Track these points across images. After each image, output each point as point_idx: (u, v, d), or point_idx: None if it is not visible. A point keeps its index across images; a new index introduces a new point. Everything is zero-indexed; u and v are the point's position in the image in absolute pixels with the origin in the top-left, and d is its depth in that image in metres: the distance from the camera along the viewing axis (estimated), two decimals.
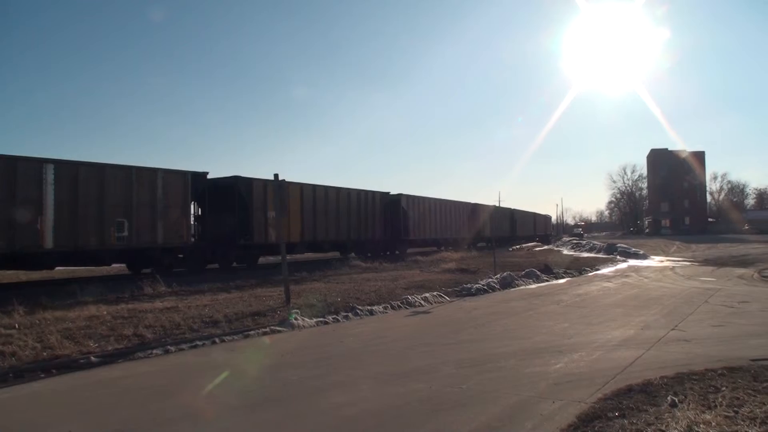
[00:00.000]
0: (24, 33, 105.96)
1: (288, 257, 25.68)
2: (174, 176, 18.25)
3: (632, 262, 27.08)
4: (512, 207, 52.91)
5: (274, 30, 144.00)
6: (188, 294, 12.38)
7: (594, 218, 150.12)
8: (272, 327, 8.61)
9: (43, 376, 5.99)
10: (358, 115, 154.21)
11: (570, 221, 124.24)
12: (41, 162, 14.73)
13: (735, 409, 4.19)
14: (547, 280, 17.14)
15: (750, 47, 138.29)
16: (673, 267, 23.31)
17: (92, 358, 6.59)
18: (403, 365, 6.23)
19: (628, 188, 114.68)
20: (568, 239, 62.53)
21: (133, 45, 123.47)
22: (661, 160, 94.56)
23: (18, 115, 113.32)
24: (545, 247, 48.92)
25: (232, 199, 20.61)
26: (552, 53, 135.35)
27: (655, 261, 28.13)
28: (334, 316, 9.73)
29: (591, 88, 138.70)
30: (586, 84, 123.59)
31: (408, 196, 31.51)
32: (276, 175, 11.42)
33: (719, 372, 5.30)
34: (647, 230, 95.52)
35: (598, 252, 34.81)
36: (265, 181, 21.37)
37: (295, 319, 9.05)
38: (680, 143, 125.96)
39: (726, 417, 4.00)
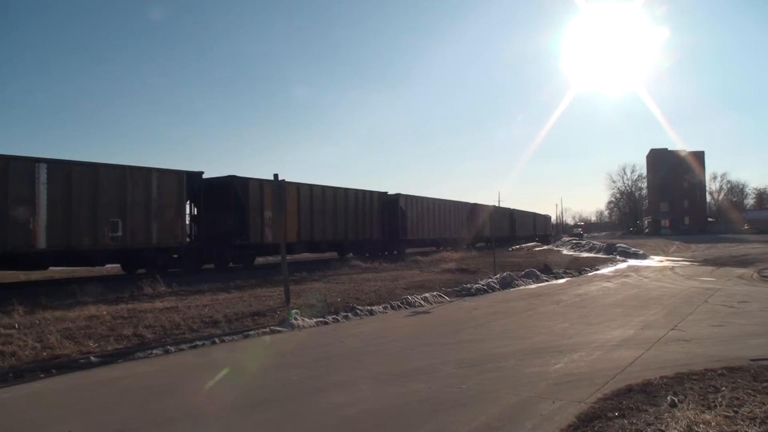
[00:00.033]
0: (24, 33, 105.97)
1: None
2: (169, 176, 18.12)
3: (632, 262, 27.09)
4: (511, 207, 52.88)
5: (274, 30, 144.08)
6: (188, 294, 12.38)
7: (593, 218, 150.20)
8: (272, 327, 8.61)
9: (42, 376, 5.99)
10: (358, 115, 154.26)
11: (570, 221, 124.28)
12: (34, 161, 14.61)
13: (735, 409, 4.19)
14: (547, 280, 17.14)
15: (750, 47, 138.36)
16: (673, 267, 23.32)
17: (92, 358, 6.59)
18: (402, 365, 6.24)
19: (628, 188, 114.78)
20: (567, 239, 62.56)
21: (133, 45, 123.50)
22: (660, 159, 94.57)
23: (18, 115, 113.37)
24: (545, 247, 48.94)
25: (228, 198, 20.48)
26: (552, 53, 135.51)
27: (654, 261, 28.15)
28: (333, 316, 9.73)
29: (591, 87, 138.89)
30: (585, 84, 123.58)
31: (406, 196, 31.41)
32: (276, 175, 11.41)
33: (719, 372, 5.30)
34: (647, 230, 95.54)
35: (598, 252, 34.82)
36: (262, 181, 21.27)
37: (295, 319, 9.05)
38: (680, 143, 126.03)
39: (726, 417, 4.00)
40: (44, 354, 6.60)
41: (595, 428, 3.91)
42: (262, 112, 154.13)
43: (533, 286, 15.68)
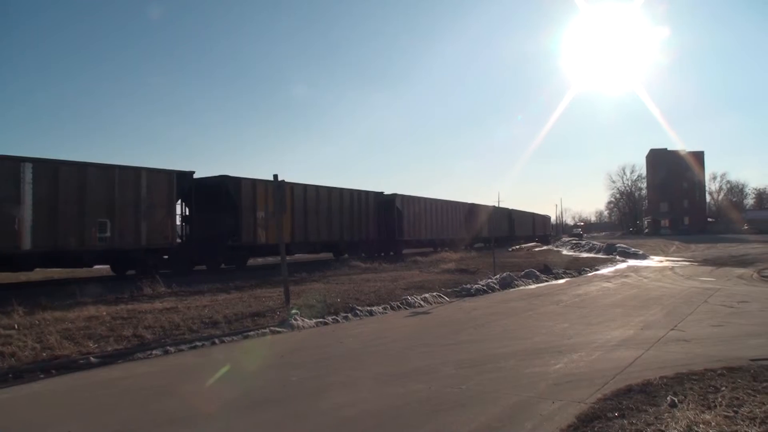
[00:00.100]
0: (24, 33, 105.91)
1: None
2: (159, 175, 17.89)
3: (631, 262, 27.09)
4: (510, 207, 52.73)
5: (274, 30, 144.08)
6: (187, 295, 12.37)
7: (593, 218, 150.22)
8: (272, 328, 8.61)
9: (42, 376, 5.99)
10: (358, 115, 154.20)
11: (569, 221, 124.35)
12: (19, 161, 14.38)
13: (735, 409, 4.19)
14: (547, 281, 17.15)
15: (750, 47, 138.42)
16: (673, 267, 23.33)
17: (92, 358, 6.59)
18: (402, 366, 6.23)
19: (628, 188, 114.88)
20: (567, 239, 62.52)
21: (133, 45, 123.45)
22: (660, 160, 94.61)
23: (18, 115, 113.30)
24: (544, 247, 48.94)
25: (220, 198, 20.24)
26: (552, 52, 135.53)
27: (654, 261, 28.15)
28: (333, 317, 9.73)
29: (590, 87, 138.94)
30: (585, 83, 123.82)
31: (403, 196, 31.17)
32: (275, 176, 11.43)
33: (719, 372, 5.31)
34: (646, 230, 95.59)
35: (598, 252, 34.82)
36: (254, 181, 21.11)
37: (295, 319, 9.05)
38: (679, 143, 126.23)
39: (726, 417, 4.00)
40: (44, 354, 6.59)
41: (595, 428, 3.91)
42: (262, 112, 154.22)
43: (533, 286, 15.68)
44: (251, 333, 8.27)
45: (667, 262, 26.71)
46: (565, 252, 38.38)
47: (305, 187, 24.12)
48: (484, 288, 14.11)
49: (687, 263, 25.93)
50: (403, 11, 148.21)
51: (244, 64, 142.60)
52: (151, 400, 5.09)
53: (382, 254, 29.05)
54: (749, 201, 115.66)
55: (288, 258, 25.31)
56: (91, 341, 7.33)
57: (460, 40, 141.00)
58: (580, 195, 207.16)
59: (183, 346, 7.36)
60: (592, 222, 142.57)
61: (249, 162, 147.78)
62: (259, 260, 26.19)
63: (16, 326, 7.98)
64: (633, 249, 33.27)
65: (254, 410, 4.74)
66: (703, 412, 4.11)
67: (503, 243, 43.98)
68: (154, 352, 7.07)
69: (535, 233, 62.38)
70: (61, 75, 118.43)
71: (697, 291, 13.88)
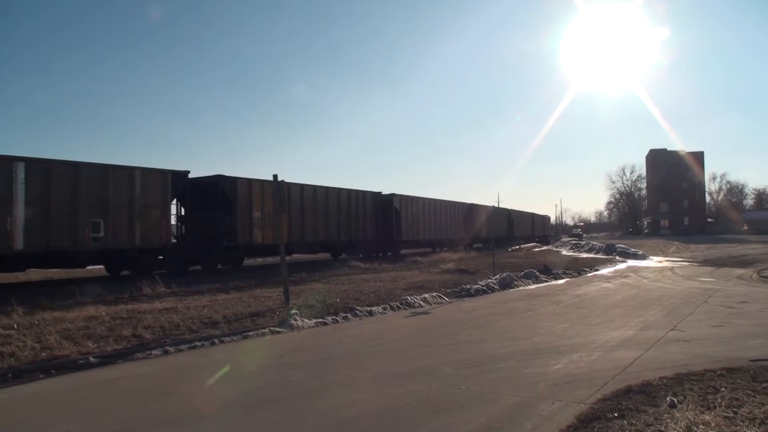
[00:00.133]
0: (24, 33, 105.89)
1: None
2: (153, 175, 17.67)
3: (631, 262, 27.10)
4: (510, 207, 52.66)
5: (274, 30, 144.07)
6: (187, 295, 12.36)
7: (593, 219, 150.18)
8: (271, 328, 8.61)
9: (42, 376, 5.98)
10: (358, 115, 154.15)
11: (569, 222, 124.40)
12: (11, 160, 14.20)
13: (734, 409, 4.19)
14: (546, 281, 17.15)
15: (749, 47, 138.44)
16: (672, 267, 23.33)
17: (91, 358, 6.58)
18: (402, 366, 6.23)
19: (627, 188, 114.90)
20: (567, 240, 62.51)
21: (133, 45, 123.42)
22: (660, 160, 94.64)
23: (18, 115, 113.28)
24: (544, 247, 48.95)
25: (215, 198, 20.05)
26: (551, 52, 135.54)
27: (654, 261, 28.16)
28: (333, 317, 9.73)
29: (590, 87, 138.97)
30: (585, 84, 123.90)
31: (401, 196, 30.96)
32: (275, 176, 11.44)
33: (718, 372, 5.31)
34: (646, 231, 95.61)
35: (597, 252, 34.82)
36: (250, 180, 20.98)
37: (294, 319, 9.05)
38: (679, 143, 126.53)
39: (725, 418, 4.00)
40: (43, 354, 6.59)
41: (595, 429, 3.91)
42: (262, 112, 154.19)
43: (532, 286, 15.68)
44: (251, 333, 8.27)
45: (667, 263, 26.72)
46: (564, 252, 38.38)
47: (302, 187, 23.94)
48: (484, 288, 14.11)
49: (687, 264, 25.94)
50: (403, 11, 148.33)
51: (244, 64, 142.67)
52: (150, 400, 5.09)
53: (380, 254, 28.87)
54: (749, 201, 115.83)
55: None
56: (91, 341, 7.33)
57: (460, 40, 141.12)
58: (579, 195, 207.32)
59: (182, 346, 7.36)
60: (591, 222, 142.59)
61: (249, 162, 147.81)
62: (259, 260, 26.17)
63: (15, 326, 7.97)
64: (633, 249, 33.29)
65: (254, 410, 4.74)
66: (702, 412, 4.11)
67: (502, 243, 43.95)
68: (153, 352, 7.07)
69: (535, 233, 62.35)
70: (61, 75, 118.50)
71: (696, 291, 13.89)
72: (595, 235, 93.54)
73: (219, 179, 20.35)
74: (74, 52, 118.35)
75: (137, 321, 8.62)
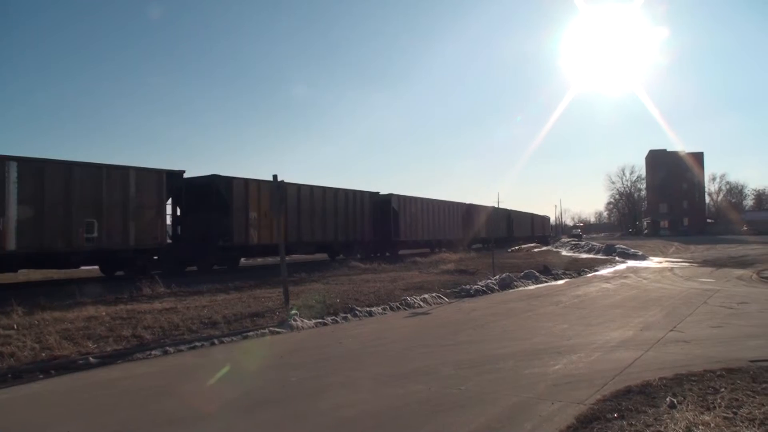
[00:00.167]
0: (24, 33, 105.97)
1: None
2: (148, 175, 17.58)
3: (631, 263, 27.09)
4: (509, 208, 52.61)
5: (274, 30, 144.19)
6: (187, 295, 12.36)
7: (593, 219, 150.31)
8: (271, 328, 8.60)
9: (41, 376, 5.98)
10: (358, 115, 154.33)
11: (569, 222, 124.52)
12: (3, 159, 14.12)
13: (734, 410, 4.19)
14: (546, 281, 17.15)
15: (749, 47, 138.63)
16: (672, 268, 23.33)
17: (91, 359, 6.58)
18: (402, 366, 6.23)
19: (627, 189, 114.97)
20: (566, 240, 62.49)
21: (133, 45, 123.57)
22: (659, 160, 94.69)
23: (18, 115, 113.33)
24: (544, 248, 48.95)
25: (211, 198, 19.94)
26: (551, 53, 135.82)
27: (653, 262, 28.16)
28: (333, 317, 9.72)
29: (590, 88, 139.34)
30: (585, 84, 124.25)
31: (399, 196, 30.76)
32: (275, 176, 11.42)
33: (718, 373, 5.31)
34: (646, 231, 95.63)
35: (597, 253, 34.82)
36: (247, 180, 20.85)
37: (294, 320, 9.04)
38: (679, 144, 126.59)
39: (725, 418, 4.00)
40: (43, 355, 6.59)
41: (594, 429, 3.91)
42: (262, 112, 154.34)
43: (532, 287, 15.68)
44: (250, 333, 8.26)
45: (667, 263, 26.72)
46: (564, 253, 38.37)
47: (299, 187, 23.69)
48: (484, 289, 14.10)
49: (686, 264, 25.94)
50: (403, 11, 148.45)
51: (244, 64, 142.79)
52: (150, 401, 5.09)
53: (378, 255, 28.62)
54: (748, 202, 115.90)
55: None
56: (91, 341, 7.33)
57: (460, 40, 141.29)
58: (579, 196, 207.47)
59: (182, 347, 7.36)
60: (591, 223, 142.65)
61: (249, 162, 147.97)
62: (259, 260, 26.18)
63: (15, 326, 7.97)
64: (632, 250, 33.28)
65: (254, 410, 4.74)
66: (702, 413, 4.11)
67: (502, 244, 43.90)
68: (153, 352, 7.06)
69: (534, 234, 62.35)
70: (61, 75, 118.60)
71: (696, 292, 13.89)
72: (594, 235, 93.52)
73: (214, 179, 20.22)
74: (74, 52, 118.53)
75: (137, 321, 8.62)
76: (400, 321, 9.92)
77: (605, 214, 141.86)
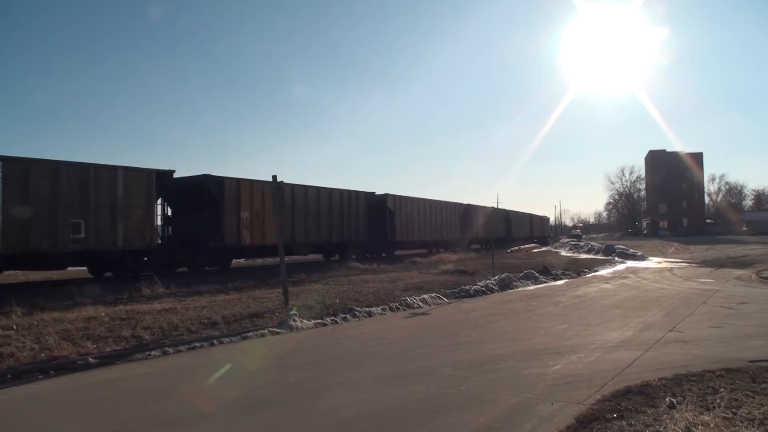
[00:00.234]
0: (24, 33, 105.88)
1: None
2: (137, 174, 17.39)
3: (630, 263, 27.09)
4: (508, 208, 52.51)
5: (274, 30, 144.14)
6: (186, 295, 12.36)
7: (592, 219, 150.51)
8: (271, 328, 8.60)
9: (41, 377, 5.98)
10: (358, 115, 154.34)
11: (568, 222, 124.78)
12: None
13: (733, 410, 4.19)
14: (546, 282, 17.15)
15: (749, 48, 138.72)
16: (671, 268, 23.33)
17: (90, 359, 6.58)
18: (401, 367, 6.23)
19: (626, 189, 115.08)
20: (566, 240, 62.54)
21: (133, 45, 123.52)
22: (659, 161, 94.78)
23: (18, 115, 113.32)
24: (543, 248, 48.98)
25: (201, 198, 19.70)
26: (551, 53, 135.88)
27: (653, 262, 28.16)
28: (332, 318, 9.72)
29: (590, 88, 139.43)
30: (584, 84, 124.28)
31: (394, 196, 30.48)
32: (274, 177, 11.42)
33: (717, 373, 5.31)
34: (645, 231, 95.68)
35: (597, 253, 34.82)
36: (239, 180, 20.69)
37: (294, 320, 9.04)
38: (678, 144, 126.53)
39: (724, 418, 4.00)
40: (42, 355, 6.58)
41: (594, 430, 3.91)
42: (262, 112, 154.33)
43: (532, 287, 15.69)
44: (250, 334, 8.26)
45: (666, 264, 26.72)
46: (563, 253, 38.37)
47: (293, 187, 23.34)
48: (483, 289, 14.10)
49: (686, 264, 25.94)
50: (403, 11, 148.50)
51: (244, 64, 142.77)
52: (149, 401, 5.09)
53: (374, 256, 28.43)
54: (748, 202, 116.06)
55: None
56: (90, 342, 7.32)
57: (460, 40, 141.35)
58: (579, 196, 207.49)
59: (182, 347, 7.35)
60: (590, 223, 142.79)
61: (249, 162, 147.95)
62: (258, 261, 26.15)
63: (14, 327, 7.97)
64: (632, 250, 33.29)
65: (253, 411, 4.74)
66: (701, 413, 4.11)
67: (500, 244, 43.79)
68: (152, 352, 7.06)
69: (533, 234, 62.33)
70: (61, 75, 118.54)
71: (695, 292, 13.89)
72: (594, 235, 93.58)
73: (205, 179, 20.02)
74: (74, 52, 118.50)
75: (136, 322, 8.61)
76: (400, 321, 9.92)
77: (605, 214, 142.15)
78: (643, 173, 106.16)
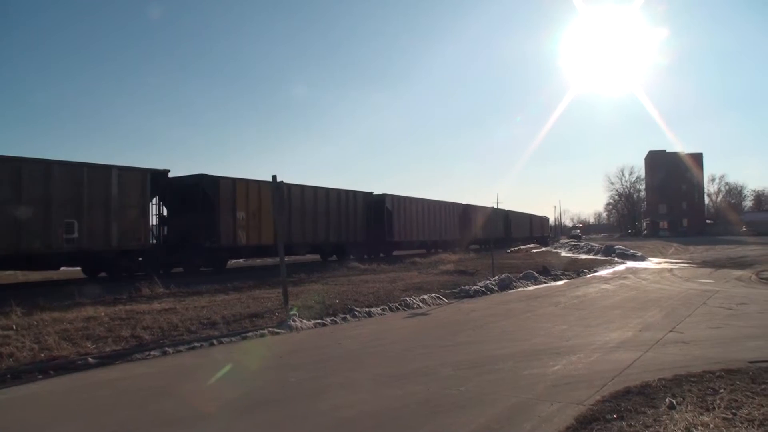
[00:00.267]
0: (24, 33, 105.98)
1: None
2: (131, 174, 17.28)
3: (630, 263, 27.09)
4: (507, 208, 52.41)
5: (274, 30, 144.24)
6: (186, 295, 12.36)
7: (592, 220, 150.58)
8: (270, 329, 8.60)
9: (40, 377, 5.98)
10: (358, 115, 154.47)
11: (568, 223, 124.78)
12: None
13: (733, 411, 4.19)
14: (545, 282, 17.15)
15: (748, 48, 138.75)
16: (671, 269, 23.33)
17: (90, 359, 6.57)
18: (401, 367, 6.23)
19: (626, 190, 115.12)
20: (566, 241, 62.52)
21: (133, 45, 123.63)
22: (658, 161, 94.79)
23: (18, 115, 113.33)
24: (543, 248, 48.94)
25: (197, 198, 19.49)
26: (551, 53, 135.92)
27: (653, 263, 28.15)
28: (332, 318, 9.72)
29: (589, 88, 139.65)
30: (584, 84, 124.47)
31: (393, 196, 30.35)
32: (274, 177, 11.42)
33: (717, 374, 5.31)
34: (645, 232, 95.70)
35: (596, 254, 34.81)
36: (234, 180, 20.59)
37: (293, 320, 9.04)
38: (678, 145, 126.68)
39: (724, 419, 4.00)
40: (42, 355, 6.58)
41: (594, 430, 3.91)
42: (262, 112, 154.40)
43: (531, 287, 15.68)
44: (250, 334, 8.26)
45: (666, 264, 26.72)
46: (563, 253, 38.35)
47: (289, 187, 23.07)
48: (483, 289, 14.10)
49: (685, 265, 25.94)
50: (403, 11, 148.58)
51: (244, 64, 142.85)
52: (149, 401, 5.09)
53: (372, 256, 28.29)
54: (748, 203, 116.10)
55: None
56: (90, 342, 7.32)
57: (460, 40, 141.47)
58: (578, 196, 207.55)
59: (181, 347, 7.35)
60: (590, 223, 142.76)
61: (248, 162, 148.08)
62: (258, 261, 26.15)
63: (14, 327, 7.96)
64: (631, 251, 33.29)
65: (253, 411, 4.74)
66: (701, 414, 4.11)
67: (500, 244, 43.74)
68: (152, 352, 7.06)
69: (533, 235, 62.25)
70: (61, 75, 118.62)
71: (695, 293, 13.89)
72: (594, 236, 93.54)
73: (201, 178, 19.92)
74: (74, 52, 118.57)
75: (136, 322, 8.61)
76: (400, 322, 9.92)
77: (604, 214, 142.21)
78: (642, 174, 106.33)
